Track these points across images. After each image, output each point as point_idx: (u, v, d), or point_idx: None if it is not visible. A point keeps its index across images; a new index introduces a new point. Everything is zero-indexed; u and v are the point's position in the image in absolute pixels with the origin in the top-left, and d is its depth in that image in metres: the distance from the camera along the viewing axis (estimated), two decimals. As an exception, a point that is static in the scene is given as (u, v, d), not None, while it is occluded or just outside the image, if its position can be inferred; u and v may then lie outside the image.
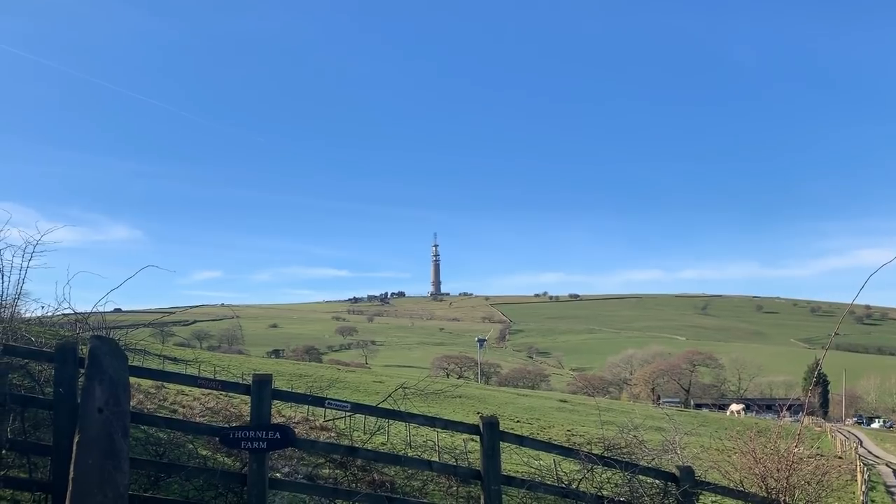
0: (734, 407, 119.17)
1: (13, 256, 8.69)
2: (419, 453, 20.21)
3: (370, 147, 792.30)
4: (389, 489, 10.26)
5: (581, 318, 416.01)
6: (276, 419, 12.89)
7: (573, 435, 42.53)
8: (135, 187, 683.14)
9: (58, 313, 9.14)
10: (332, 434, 18.94)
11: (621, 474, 8.45)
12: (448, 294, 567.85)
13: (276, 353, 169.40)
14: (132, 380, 7.20)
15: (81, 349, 7.16)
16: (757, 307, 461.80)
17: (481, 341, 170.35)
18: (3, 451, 6.95)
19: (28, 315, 9.90)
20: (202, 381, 8.52)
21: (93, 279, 9.50)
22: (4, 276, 8.69)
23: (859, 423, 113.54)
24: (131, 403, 7.10)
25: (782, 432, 9.45)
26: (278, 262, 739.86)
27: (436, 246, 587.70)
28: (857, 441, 62.07)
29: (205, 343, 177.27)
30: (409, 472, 10.78)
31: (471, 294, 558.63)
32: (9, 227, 8.70)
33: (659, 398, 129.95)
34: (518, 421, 49.24)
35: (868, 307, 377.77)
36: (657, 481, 8.67)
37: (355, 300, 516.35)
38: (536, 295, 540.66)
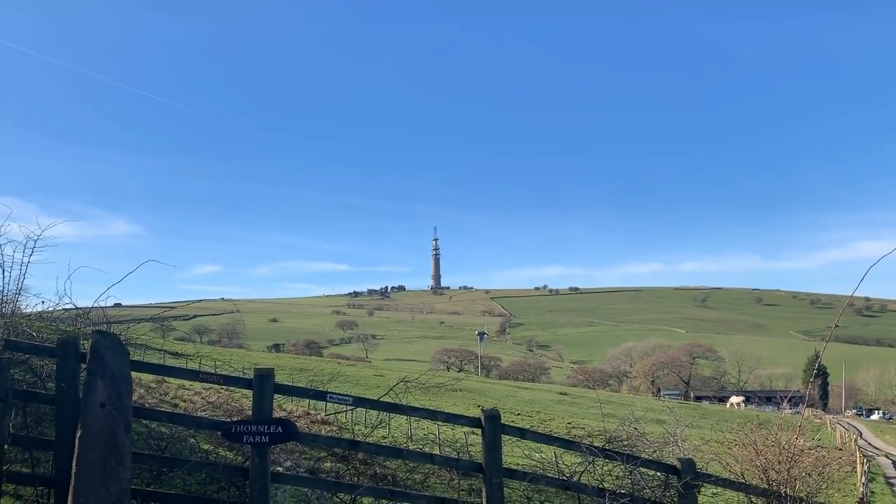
0: (734, 399, 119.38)
1: (14, 251, 8.64)
2: (420, 446, 20.30)
3: (370, 141, 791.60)
4: (391, 482, 10.28)
5: (581, 311, 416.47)
6: (278, 413, 12.89)
7: (573, 427, 42.68)
8: (135, 182, 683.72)
9: (59, 308, 9.12)
10: (334, 428, 18.99)
11: (622, 467, 8.45)
12: (448, 288, 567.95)
13: (277, 348, 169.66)
14: (133, 375, 7.20)
15: (83, 344, 7.16)
16: (756, 299, 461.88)
17: (481, 335, 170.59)
18: (6, 447, 6.95)
19: (29, 310, 9.90)
20: (204, 376, 8.54)
21: (93, 274, 9.47)
22: (5, 272, 8.66)
23: (858, 415, 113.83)
24: (132, 398, 7.10)
25: (783, 424, 9.45)
26: (278, 257, 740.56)
27: (436, 240, 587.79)
28: (856, 432, 62.30)
29: (205, 337, 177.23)
30: (411, 465, 10.79)
31: (471, 288, 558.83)
32: (9, 222, 8.66)
33: (659, 391, 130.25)
34: (518, 414, 49.38)
35: (867, 299, 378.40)
36: (658, 473, 8.68)
37: (355, 294, 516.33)
38: (536, 288, 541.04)
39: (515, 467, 8.64)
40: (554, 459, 11.46)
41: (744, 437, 9.56)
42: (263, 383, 7.40)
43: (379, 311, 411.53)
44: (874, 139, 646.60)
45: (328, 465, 11.30)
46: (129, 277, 8.88)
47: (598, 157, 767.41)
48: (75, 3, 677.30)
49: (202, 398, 21.59)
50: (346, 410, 21.09)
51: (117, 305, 12.25)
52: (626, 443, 9.25)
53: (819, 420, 73.78)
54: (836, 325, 13.80)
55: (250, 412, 7.48)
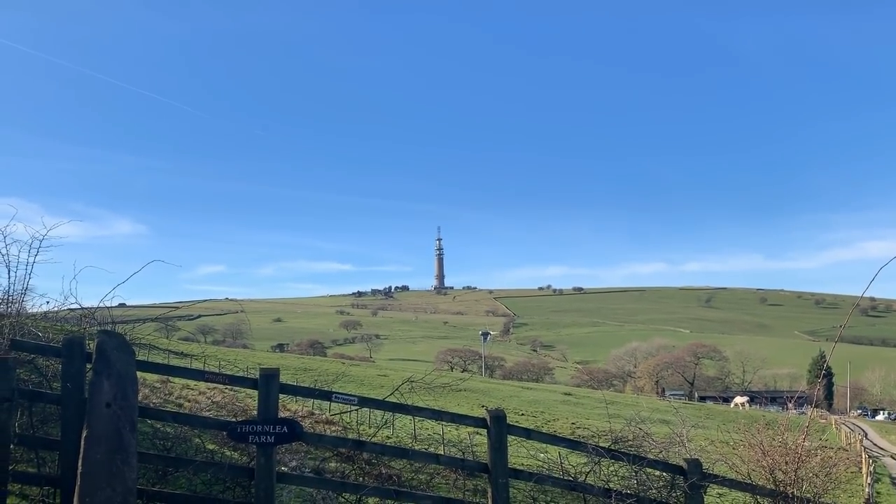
0: (738, 399, 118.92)
1: (19, 252, 8.68)
2: (425, 447, 20.27)
3: (373, 141, 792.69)
4: (397, 482, 10.26)
5: (585, 312, 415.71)
6: (282, 413, 12.88)
7: (578, 428, 42.55)
8: (139, 182, 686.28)
9: (64, 308, 9.13)
10: (339, 428, 18.96)
11: (628, 467, 8.42)
12: (452, 288, 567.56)
13: (281, 348, 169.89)
14: (138, 374, 7.20)
15: (88, 344, 7.16)
16: (761, 299, 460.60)
17: (485, 335, 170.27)
18: (12, 446, 6.95)
19: (35, 310, 9.91)
20: (209, 376, 8.51)
21: (98, 274, 9.49)
22: (11, 272, 8.70)
23: (863, 415, 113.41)
24: (137, 398, 7.10)
25: (790, 425, 9.40)
26: (282, 257, 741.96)
27: (439, 240, 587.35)
28: (861, 433, 62.05)
29: (209, 337, 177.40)
30: (416, 465, 10.78)
31: (474, 288, 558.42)
32: (14, 223, 8.71)
33: (664, 391, 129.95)
34: (523, 414, 49.27)
35: (873, 299, 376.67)
36: (665, 474, 8.65)
37: (359, 294, 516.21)
38: (540, 288, 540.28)
39: (521, 467, 8.63)
40: (559, 460, 11.42)
41: (750, 437, 9.51)
42: (269, 383, 7.39)
43: (382, 311, 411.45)
44: (878, 140, 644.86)
45: (333, 465, 11.28)
46: (134, 277, 8.87)
47: (602, 156, 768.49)
48: (78, 4, 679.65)
49: (207, 398, 21.56)
50: (350, 410, 21.07)
51: (122, 305, 12.29)
52: (631, 443, 9.23)
53: (824, 420, 73.49)
54: (844, 326, 13.72)
55: (255, 412, 7.48)
